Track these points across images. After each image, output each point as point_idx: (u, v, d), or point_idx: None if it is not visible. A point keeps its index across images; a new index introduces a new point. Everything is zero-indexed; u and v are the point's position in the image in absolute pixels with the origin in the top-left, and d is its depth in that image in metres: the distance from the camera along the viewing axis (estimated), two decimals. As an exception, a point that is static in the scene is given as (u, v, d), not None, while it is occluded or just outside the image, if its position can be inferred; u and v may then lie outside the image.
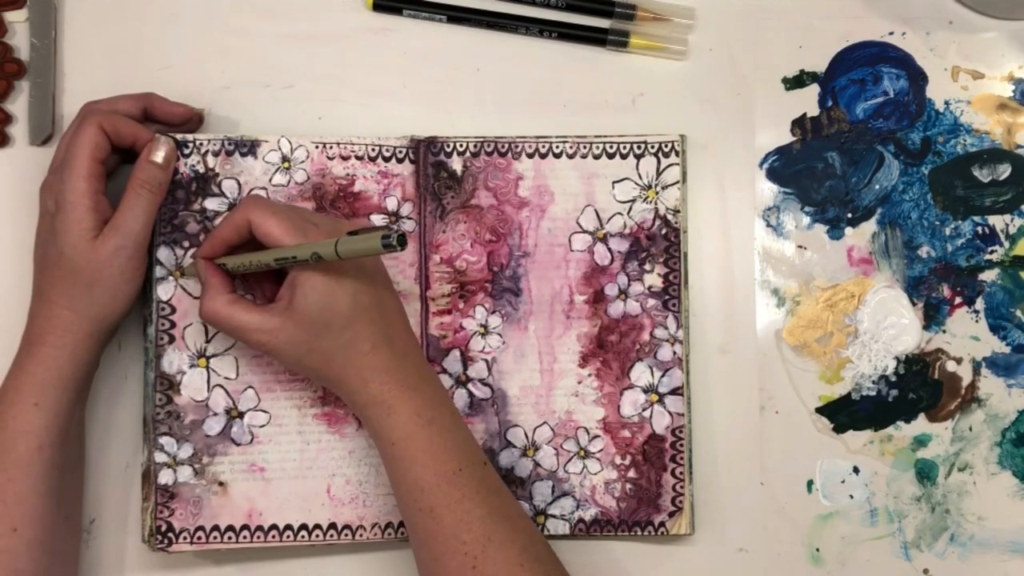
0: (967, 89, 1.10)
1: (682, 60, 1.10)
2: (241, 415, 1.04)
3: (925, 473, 1.08)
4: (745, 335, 1.09)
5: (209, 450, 1.03)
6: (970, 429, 1.08)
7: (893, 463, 1.08)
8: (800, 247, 1.09)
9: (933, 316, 1.09)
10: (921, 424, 1.09)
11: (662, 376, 1.06)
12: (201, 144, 1.04)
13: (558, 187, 1.07)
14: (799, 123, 1.10)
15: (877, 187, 1.09)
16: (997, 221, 1.09)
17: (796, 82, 1.10)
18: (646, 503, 1.06)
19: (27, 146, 1.09)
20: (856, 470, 1.08)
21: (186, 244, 1.03)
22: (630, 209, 1.07)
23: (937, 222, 1.09)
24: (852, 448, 1.08)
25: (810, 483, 1.08)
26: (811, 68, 1.10)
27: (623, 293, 1.07)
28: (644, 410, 1.06)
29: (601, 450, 1.06)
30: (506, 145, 1.07)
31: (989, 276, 1.09)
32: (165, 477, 1.02)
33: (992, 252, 1.09)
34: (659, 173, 1.07)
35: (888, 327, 1.09)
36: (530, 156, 1.07)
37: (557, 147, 1.07)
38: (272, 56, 1.10)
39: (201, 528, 1.02)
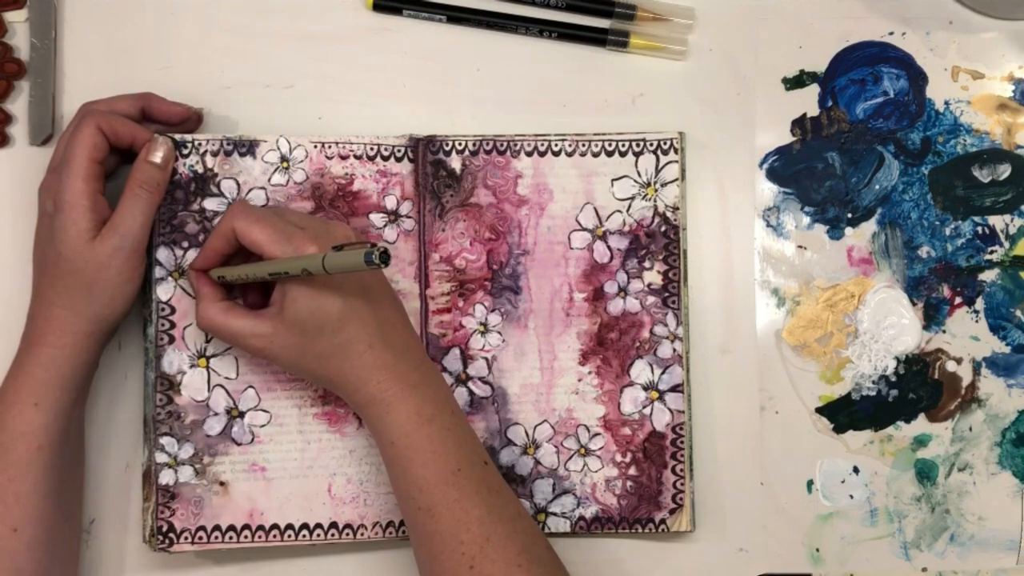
0: (967, 89, 1.10)
1: (682, 60, 1.10)
2: (242, 415, 1.04)
3: (925, 473, 1.08)
4: (745, 335, 1.09)
5: (210, 450, 1.03)
6: (970, 429, 1.09)
7: (893, 463, 1.08)
8: (800, 247, 1.09)
9: (933, 316, 1.09)
10: (921, 424, 1.09)
11: (662, 373, 1.06)
12: (200, 144, 1.04)
13: (557, 185, 1.07)
14: (799, 123, 1.10)
15: (877, 187, 1.09)
16: (997, 221, 1.09)
17: (796, 82, 1.10)
18: (647, 500, 1.06)
19: (27, 146, 1.09)
20: (856, 470, 1.08)
21: (185, 244, 1.03)
22: (629, 207, 1.07)
23: (937, 222, 1.09)
24: (852, 448, 1.09)
25: (810, 483, 1.08)
26: (811, 68, 1.10)
27: (623, 291, 1.07)
28: (644, 407, 1.06)
29: (602, 448, 1.06)
30: (505, 143, 1.06)
31: (989, 276, 1.09)
32: (166, 477, 1.02)
33: (992, 252, 1.09)
34: (658, 171, 1.07)
35: (888, 327, 1.09)
36: (529, 154, 1.06)
37: (556, 145, 1.07)
38: (272, 56, 1.10)
39: (202, 528, 1.02)
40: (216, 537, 1.03)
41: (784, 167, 1.10)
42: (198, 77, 1.09)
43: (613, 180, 1.07)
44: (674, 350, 1.07)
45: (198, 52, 1.10)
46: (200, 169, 1.03)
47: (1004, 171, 1.09)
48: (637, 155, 1.07)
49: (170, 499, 1.02)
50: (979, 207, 1.09)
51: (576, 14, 1.11)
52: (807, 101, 1.10)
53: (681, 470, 1.06)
